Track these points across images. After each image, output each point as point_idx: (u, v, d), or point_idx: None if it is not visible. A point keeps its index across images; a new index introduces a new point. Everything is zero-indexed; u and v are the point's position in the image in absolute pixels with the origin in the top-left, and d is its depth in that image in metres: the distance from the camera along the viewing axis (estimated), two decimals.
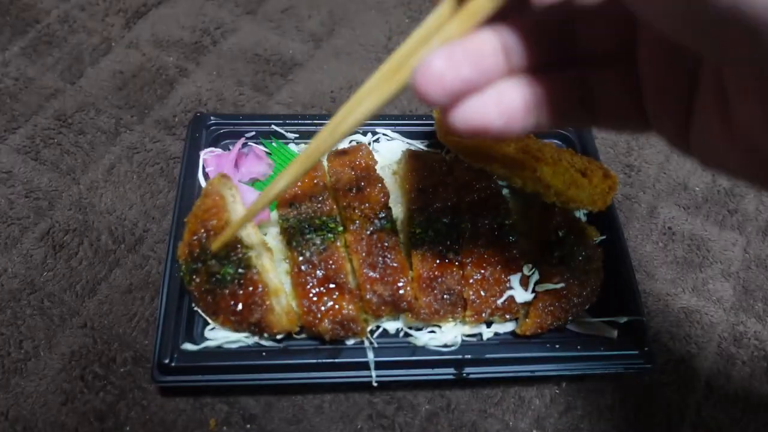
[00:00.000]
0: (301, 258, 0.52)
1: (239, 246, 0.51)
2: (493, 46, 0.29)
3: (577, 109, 0.32)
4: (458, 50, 0.28)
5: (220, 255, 0.51)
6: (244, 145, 0.65)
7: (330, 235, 0.53)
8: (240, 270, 0.50)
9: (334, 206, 0.56)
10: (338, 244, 0.53)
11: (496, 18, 0.29)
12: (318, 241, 0.53)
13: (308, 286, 0.51)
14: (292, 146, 0.67)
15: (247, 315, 0.50)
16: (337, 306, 0.51)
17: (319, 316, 0.51)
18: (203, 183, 0.62)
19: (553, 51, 0.31)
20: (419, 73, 0.28)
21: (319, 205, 0.55)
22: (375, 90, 0.32)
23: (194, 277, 0.52)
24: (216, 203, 0.53)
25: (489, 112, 0.29)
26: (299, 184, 0.57)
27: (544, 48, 0.30)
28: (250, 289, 0.50)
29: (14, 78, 0.76)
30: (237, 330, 0.52)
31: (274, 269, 0.54)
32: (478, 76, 0.28)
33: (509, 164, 0.57)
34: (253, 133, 0.66)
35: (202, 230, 0.52)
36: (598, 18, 0.30)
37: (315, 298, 0.51)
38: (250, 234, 0.54)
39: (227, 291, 0.50)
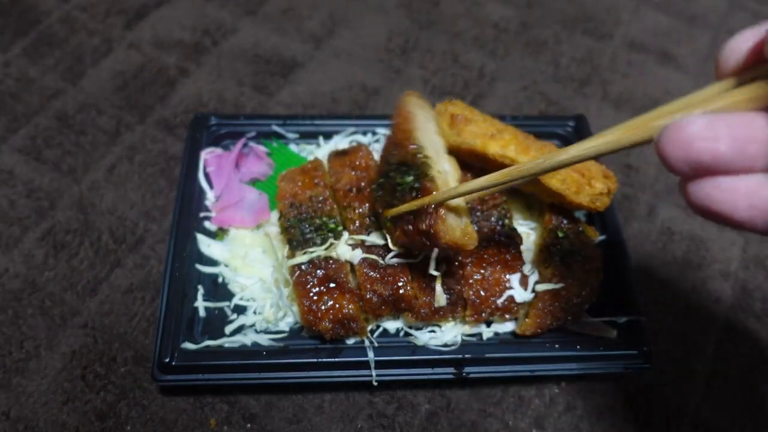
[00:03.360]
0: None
1: (419, 155, 0.50)
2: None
3: None
4: (722, 123, 0.25)
5: (400, 165, 0.50)
6: (245, 145, 0.65)
7: (330, 234, 0.54)
8: (416, 180, 0.48)
9: (335, 206, 0.56)
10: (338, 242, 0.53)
11: None
12: (318, 241, 0.53)
13: (308, 285, 0.51)
14: (292, 146, 0.67)
15: (419, 224, 0.47)
16: (337, 305, 0.51)
17: (319, 315, 0.51)
18: (204, 183, 0.63)
19: None
20: (668, 130, 0.25)
21: (320, 206, 0.56)
22: (615, 133, 0.30)
23: (380, 193, 0.51)
24: (405, 118, 0.53)
25: (737, 201, 0.26)
26: (299, 184, 0.57)
27: None
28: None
29: (15, 78, 0.76)
30: (412, 244, 0.49)
31: (456, 176, 0.52)
32: (737, 158, 0.25)
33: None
34: (254, 133, 0.66)
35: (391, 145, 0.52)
36: None
37: (315, 297, 0.51)
38: (434, 141, 0.53)
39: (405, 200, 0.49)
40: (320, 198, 0.56)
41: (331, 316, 0.51)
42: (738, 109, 0.26)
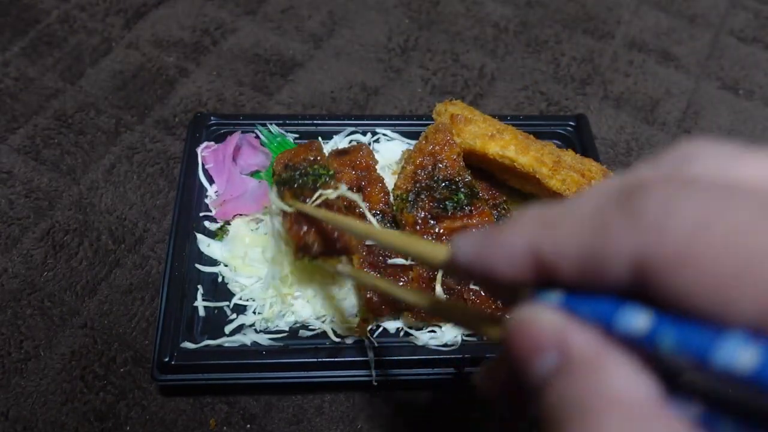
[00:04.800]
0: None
1: (466, 177, 0.56)
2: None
3: None
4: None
5: (448, 182, 0.55)
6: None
7: (322, 178, 0.53)
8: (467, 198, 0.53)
9: (325, 162, 0.56)
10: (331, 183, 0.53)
11: None
12: (310, 183, 0.52)
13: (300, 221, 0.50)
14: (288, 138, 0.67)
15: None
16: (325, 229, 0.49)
17: (305, 228, 0.48)
18: (204, 182, 0.62)
19: None
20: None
21: (315, 165, 0.55)
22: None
23: (414, 202, 0.55)
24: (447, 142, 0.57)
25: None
26: (294, 153, 0.56)
27: None
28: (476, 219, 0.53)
29: (14, 78, 0.76)
30: None
31: None
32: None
33: (519, 174, 0.58)
34: (254, 135, 0.66)
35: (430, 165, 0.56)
36: None
37: (305, 227, 0.49)
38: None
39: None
40: (311, 158, 0.55)
41: (319, 236, 0.49)
42: None
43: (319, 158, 0.56)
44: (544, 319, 0.19)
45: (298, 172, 0.54)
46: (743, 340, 0.14)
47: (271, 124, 0.66)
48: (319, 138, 0.67)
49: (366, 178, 0.57)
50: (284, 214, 0.50)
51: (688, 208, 0.16)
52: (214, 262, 0.58)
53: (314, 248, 0.49)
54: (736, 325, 0.15)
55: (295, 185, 0.52)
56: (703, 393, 0.16)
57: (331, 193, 0.50)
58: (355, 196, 0.51)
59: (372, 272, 0.52)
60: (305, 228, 0.48)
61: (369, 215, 0.52)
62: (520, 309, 0.19)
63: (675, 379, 0.17)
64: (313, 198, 0.50)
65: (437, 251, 0.28)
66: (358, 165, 0.58)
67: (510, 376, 0.25)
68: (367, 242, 0.53)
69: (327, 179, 0.53)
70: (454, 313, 0.33)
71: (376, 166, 0.59)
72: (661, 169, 0.19)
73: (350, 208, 0.55)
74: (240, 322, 0.55)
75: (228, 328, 0.54)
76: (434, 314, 0.51)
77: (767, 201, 0.16)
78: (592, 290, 0.18)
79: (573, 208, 0.19)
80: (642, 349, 0.16)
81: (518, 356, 0.19)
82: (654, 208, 0.17)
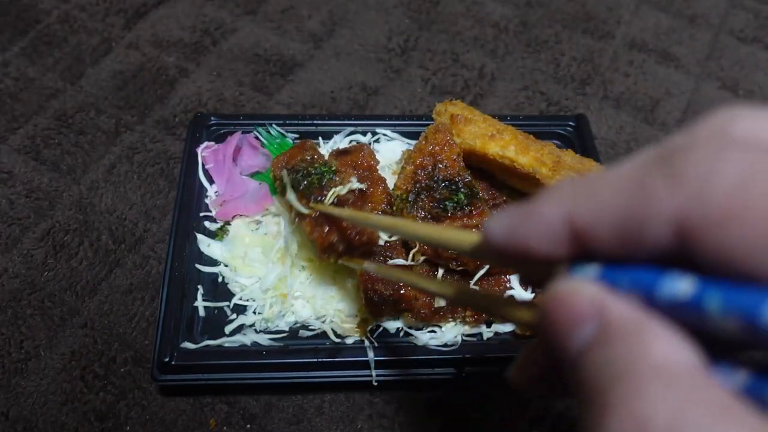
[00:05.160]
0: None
1: (467, 177, 0.55)
2: None
3: None
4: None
5: (447, 182, 0.54)
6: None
7: (327, 175, 0.53)
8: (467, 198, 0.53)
9: (323, 160, 0.56)
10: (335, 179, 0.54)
11: None
12: (316, 182, 0.53)
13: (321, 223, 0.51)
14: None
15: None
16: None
17: (327, 228, 0.49)
18: (204, 182, 0.62)
19: None
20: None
21: (310, 161, 0.55)
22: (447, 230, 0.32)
23: (415, 201, 0.54)
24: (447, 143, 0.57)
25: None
26: (290, 155, 0.57)
27: None
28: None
29: (15, 78, 0.76)
30: None
31: None
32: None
33: (519, 175, 0.58)
34: (254, 135, 0.66)
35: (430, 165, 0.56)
36: None
37: (327, 227, 0.50)
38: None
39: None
40: (309, 158, 0.56)
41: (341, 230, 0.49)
42: None
43: (316, 156, 0.56)
44: (582, 291, 0.18)
45: (300, 174, 0.54)
46: None
47: (270, 124, 0.66)
48: (320, 138, 0.67)
49: (368, 178, 0.57)
50: (301, 216, 0.51)
51: (732, 166, 0.16)
52: (214, 263, 0.58)
53: (339, 248, 0.49)
54: None
55: (301, 187, 0.52)
56: (749, 361, 0.16)
57: (341, 189, 0.51)
58: (363, 186, 0.52)
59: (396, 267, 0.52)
60: (327, 228, 0.49)
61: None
62: (557, 284, 0.19)
63: (720, 347, 0.16)
64: (328, 197, 0.50)
65: (467, 236, 0.27)
66: (360, 165, 0.58)
67: (544, 365, 0.25)
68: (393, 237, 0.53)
69: (332, 176, 0.53)
70: (481, 301, 0.33)
71: (377, 167, 0.59)
72: (700, 134, 0.18)
73: (353, 206, 0.56)
74: (240, 322, 0.55)
75: (228, 328, 0.54)
76: (461, 303, 0.50)
77: None
78: (631, 261, 0.17)
79: (610, 175, 0.18)
80: (685, 316, 0.16)
81: (556, 331, 0.18)
82: (696, 166, 0.16)
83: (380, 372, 0.52)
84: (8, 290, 0.59)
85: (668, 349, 0.16)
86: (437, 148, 0.56)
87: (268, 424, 0.53)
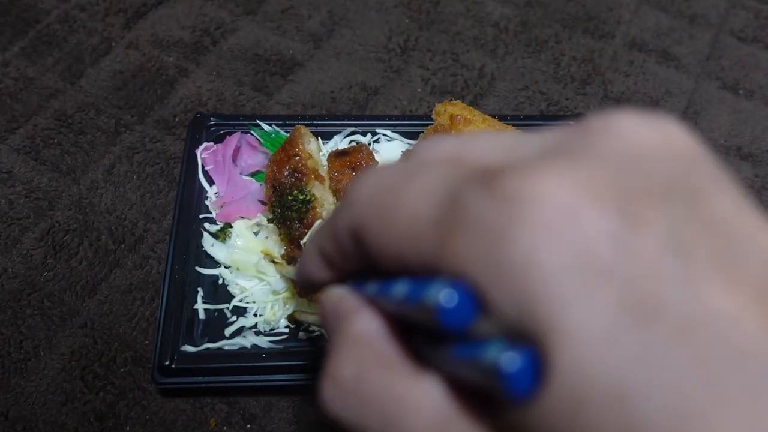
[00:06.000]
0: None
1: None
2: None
3: None
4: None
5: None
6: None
7: (305, 205, 0.54)
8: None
9: (307, 173, 0.56)
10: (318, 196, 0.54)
11: None
12: (296, 217, 0.54)
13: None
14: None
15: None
16: None
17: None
18: (203, 182, 0.62)
19: None
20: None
21: (294, 179, 0.56)
22: None
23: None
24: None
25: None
26: (278, 162, 0.57)
27: None
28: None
29: (14, 78, 0.76)
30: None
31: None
32: None
33: None
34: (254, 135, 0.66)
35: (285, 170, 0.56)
36: None
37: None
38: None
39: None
40: (294, 169, 0.56)
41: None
42: None
43: (299, 163, 0.55)
44: (332, 294, 0.25)
45: (284, 206, 0.54)
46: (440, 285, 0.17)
47: (270, 125, 0.66)
48: (319, 138, 0.67)
49: None
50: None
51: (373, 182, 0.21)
52: (214, 264, 0.58)
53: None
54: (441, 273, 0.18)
55: (288, 224, 0.53)
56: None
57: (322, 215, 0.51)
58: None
59: None
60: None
61: None
62: (326, 292, 0.26)
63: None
64: (305, 240, 0.51)
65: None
66: (358, 166, 0.58)
67: None
68: None
69: (308, 206, 0.53)
70: None
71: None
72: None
73: None
74: (240, 325, 0.55)
75: (228, 331, 0.54)
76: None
77: (410, 165, 0.21)
78: (366, 272, 0.23)
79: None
80: (384, 305, 0.21)
81: (323, 319, 0.25)
82: (354, 183, 0.22)
83: None
84: (8, 290, 0.59)
85: (361, 324, 0.21)
86: None
87: (268, 424, 0.53)
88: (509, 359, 0.15)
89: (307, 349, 0.53)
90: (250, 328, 0.55)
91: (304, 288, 0.29)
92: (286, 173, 0.55)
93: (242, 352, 0.53)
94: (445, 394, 0.18)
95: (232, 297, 0.56)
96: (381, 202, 0.20)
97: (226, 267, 0.58)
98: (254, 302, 0.56)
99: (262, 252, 0.54)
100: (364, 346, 0.21)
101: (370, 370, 0.20)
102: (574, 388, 0.14)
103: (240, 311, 0.56)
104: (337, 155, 0.60)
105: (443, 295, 0.16)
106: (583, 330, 0.15)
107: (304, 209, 0.53)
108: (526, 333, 0.15)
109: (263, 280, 0.56)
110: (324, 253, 0.25)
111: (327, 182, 0.57)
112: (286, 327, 0.55)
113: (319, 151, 0.61)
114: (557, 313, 0.15)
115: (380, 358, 0.20)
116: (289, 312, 0.55)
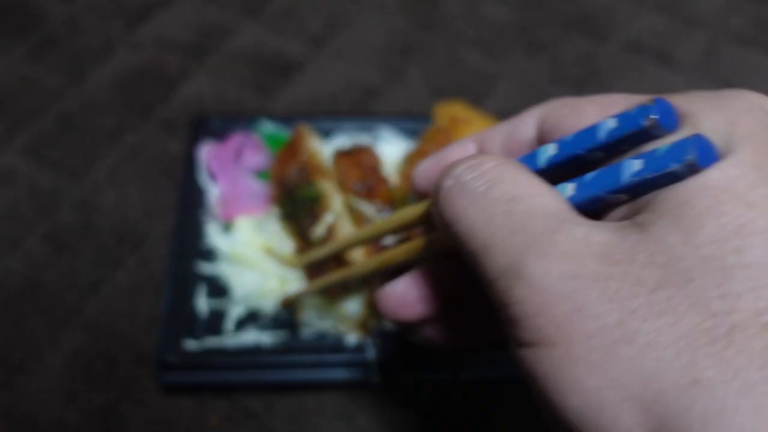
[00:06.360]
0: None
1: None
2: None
3: None
4: (415, 288, 0.30)
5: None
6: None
7: (314, 201, 0.54)
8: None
9: (314, 170, 0.57)
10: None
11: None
12: (306, 212, 0.54)
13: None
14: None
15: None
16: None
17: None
18: (205, 181, 0.63)
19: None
20: (378, 296, 0.30)
21: (300, 176, 0.56)
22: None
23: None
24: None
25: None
26: (283, 160, 0.58)
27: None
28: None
29: (17, 79, 0.76)
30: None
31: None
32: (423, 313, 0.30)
33: None
34: (256, 135, 0.66)
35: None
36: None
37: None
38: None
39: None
40: (301, 167, 0.56)
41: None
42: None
43: (305, 161, 0.56)
44: (488, 157, 0.25)
45: (293, 203, 0.55)
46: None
47: (266, 122, 0.67)
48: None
49: (371, 178, 0.58)
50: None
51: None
52: (216, 262, 0.58)
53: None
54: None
55: (300, 220, 0.54)
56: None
57: (330, 218, 0.52)
58: (361, 204, 0.53)
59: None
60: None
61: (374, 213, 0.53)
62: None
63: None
64: (318, 227, 0.51)
65: (416, 208, 0.30)
66: (363, 165, 0.59)
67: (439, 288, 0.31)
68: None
69: (317, 202, 0.53)
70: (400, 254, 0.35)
71: (380, 167, 0.60)
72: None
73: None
74: (243, 321, 0.55)
75: (230, 328, 0.54)
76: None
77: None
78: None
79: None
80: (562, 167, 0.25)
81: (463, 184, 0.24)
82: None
83: (381, 371, 0.52)
84: (10, 289, 0.59)
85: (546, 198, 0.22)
86: (436, 149, 0.57)
87: (270, 422, 0.54)
88: (700, 137, 0.20)
89: (310, 346, 0.54)
90: (253, 324, 0.55)
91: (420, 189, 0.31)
92: (293, 172, 0.56)
93: (244, 349, 0.53)
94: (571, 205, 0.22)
95: (235, 294, 0.57)
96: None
97: (228, 264, 0.58)
98: (257, 298, 0.56)
99: (264, 249, 0.54)
100: (505, 160, 0.23)
101: (507, 166, 0.22)
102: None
103: (243, 308, 0.56)
104: (341, 154, 0.61)
105: (659, 106, 0.24)
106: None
107: (314, 205, 0.54)
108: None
109: (266, 276, 0.56)
110: (483, 146, 0.28)
111: (333, 179, 0.58)
112: (289, 324, 0.56)
113: (321, 150, 0.62)
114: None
115: (517, 164, 0.23)
116: (290, 311, 0.55)
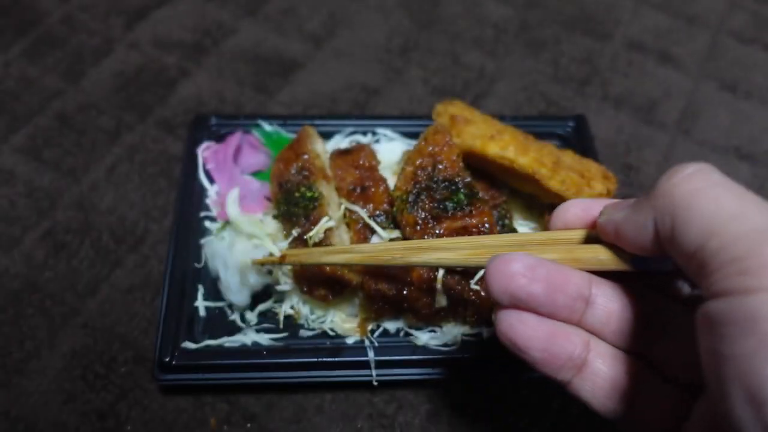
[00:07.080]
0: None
1: (466, 178, 0.55)
2: (579, 291, 0.30)
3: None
4: (544, 269, 0.29)
5: (447, 182, 0.55)
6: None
7: (312, 203, 0.54)
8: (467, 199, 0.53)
9: (317, 172, 0.56)
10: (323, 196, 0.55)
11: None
12: (302, 215, 0.54)
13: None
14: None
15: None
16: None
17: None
18: (204, 182, 0.63)
19: (633, 339, 0.31)
20: (495, 261, 0.29)
21: (302, 176, 0.56)
22: (456, 251, 0.34)
23: (415, 202, 0.54)
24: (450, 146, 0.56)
25: (534, 340, 0.29)
26: (286, 160, 0.58)
27: (626, 330, 0.31)
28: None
29: (16, 78, 0.76)
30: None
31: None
32: (547, 302, 0.29)
33: (519, 175, 0.58)
34: (255, 135, 0.66)
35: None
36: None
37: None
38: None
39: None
40: (302, 167, 0.56)
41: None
42: (565, 261, 0.30)
43: (307, 162, 0.56)
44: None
45: (291, 203, 0.54)
46: None
47: (265, 122, 0.66)
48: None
49: (369, 178, 0.57)
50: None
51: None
52: (214, 262, 0.58)
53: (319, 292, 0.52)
54: None
55: (292, 218, 0.54)
56: None
57: (328, 222, 0.52)
58: (356, 208, 0.53)
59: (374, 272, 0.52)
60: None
61: (371, 222, 0.53)
62: None
63: None
64: (314, 231, 0.51)
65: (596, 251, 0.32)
66: (361, 165, 0.58)
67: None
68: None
69: (316, 204, 0.53)
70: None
71: (378, 167, 0.60)
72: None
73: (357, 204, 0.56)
74: (240, 321, 0.55)
75: (228, 328, 0.54)
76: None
77: None
78: None
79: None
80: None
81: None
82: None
83: (380, 372, 0.52)
84: (9, 290, 0.59)
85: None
86: (437, 149, 0.56)
87: (269, 423, 0.53)
88: None
89: (309, 347, 0.53)
90: (251, 325, 0.55)
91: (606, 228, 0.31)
92: (294, 171, 0.56)
93: (243, 349, 0.53)
94: None
95: (233, 294, 0.56)
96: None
97: (227, 264, 0.58)
98: (256, 298, 0.56)
99: (252, 262, 0.53)
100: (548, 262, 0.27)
101: (544, 262, 0.26)
102: None
103: (241, 308, 0.56)
104: (339, 154, 0.60)
105: None
106: None
107: (312, 206, 0.53)
108: None
109: (263, 275, 0.56)
110: (619, 230, 0.29)
111: (333, 182, 0.58)
112: (287, 325, 0.55)
113: (325, 152, 0.61)
114: None
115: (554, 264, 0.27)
116: (280, 305, 0.55)
